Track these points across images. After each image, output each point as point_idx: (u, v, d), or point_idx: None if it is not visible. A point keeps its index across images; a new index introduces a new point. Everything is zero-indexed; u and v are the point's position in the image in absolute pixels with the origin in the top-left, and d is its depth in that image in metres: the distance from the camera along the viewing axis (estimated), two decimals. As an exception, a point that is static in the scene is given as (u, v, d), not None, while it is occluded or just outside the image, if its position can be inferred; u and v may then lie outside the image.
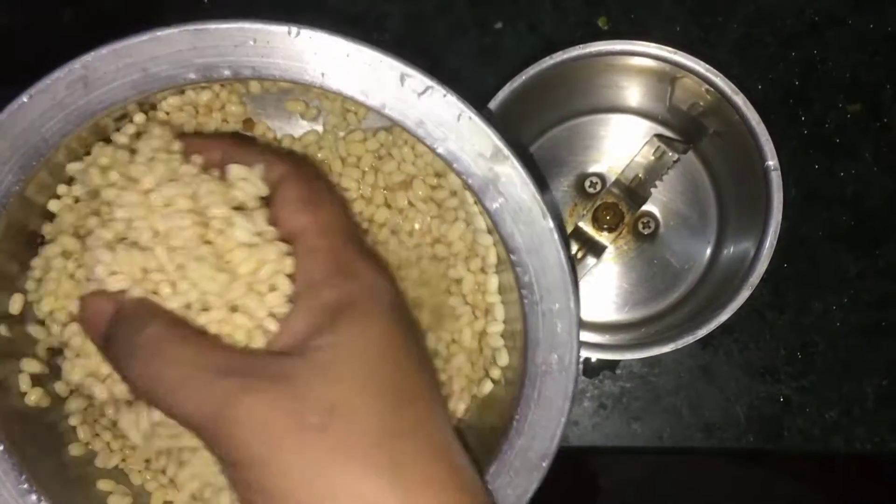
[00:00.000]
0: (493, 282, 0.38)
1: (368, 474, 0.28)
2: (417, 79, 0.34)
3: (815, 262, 0.52)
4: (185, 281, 0.30)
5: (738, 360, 0.52)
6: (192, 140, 0.35)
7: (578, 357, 0.35)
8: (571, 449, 0.53)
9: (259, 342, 0.30)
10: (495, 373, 0.38)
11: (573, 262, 0.37)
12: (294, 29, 0.34)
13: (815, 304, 0.52)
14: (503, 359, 0.37)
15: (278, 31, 0.33)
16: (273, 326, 0.30)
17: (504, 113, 0.46)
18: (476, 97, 0.50)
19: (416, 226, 0.40)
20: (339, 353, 0.29)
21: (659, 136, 0.49)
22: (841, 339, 0.52)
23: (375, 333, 0.30)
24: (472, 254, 0.39)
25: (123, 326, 0.30)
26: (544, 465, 0.35)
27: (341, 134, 0.40)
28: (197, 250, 0.31)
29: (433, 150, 0.34)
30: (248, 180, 0.32)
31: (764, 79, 0.52)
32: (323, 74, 0.34)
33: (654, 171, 0.48)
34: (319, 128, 0.41)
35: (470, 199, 0.37)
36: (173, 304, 0.30)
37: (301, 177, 0.33)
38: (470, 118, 0.34)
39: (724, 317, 0.44)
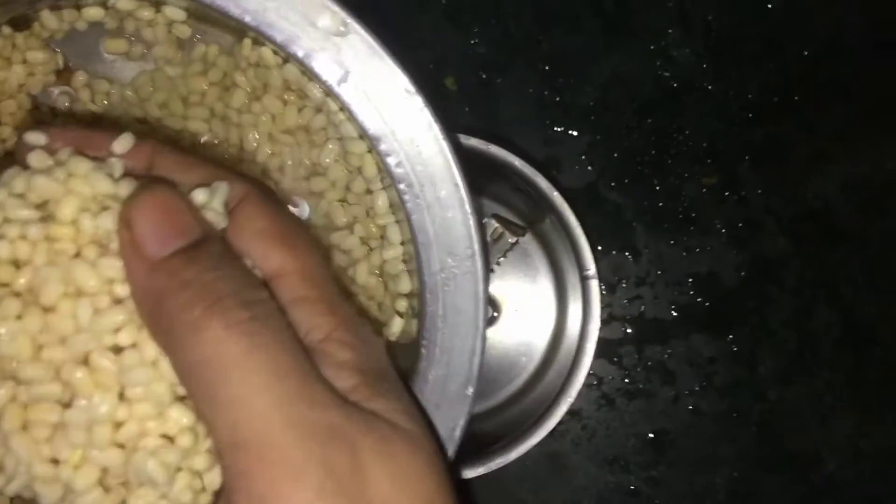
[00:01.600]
0: (382, 199, 0.32)
1: None
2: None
3: (668, 345, 0.49)
4: None
5: (586, 449, 0.49)
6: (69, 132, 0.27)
7: (485, 247, 0.30)
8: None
9: None
10: (401, 304, 0.32)
11: (457, 145, 0.31)
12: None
13: (666, 389, 0.49)
14: (404, 285, 0.32)
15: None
16: None
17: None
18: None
19: (289, 162, 0.35)
20: (412, 428, 0.24)
21: (497, 217, 0.46)
22: (692, 428, 0.49)
23: (414, 407, 0.26)
24: (353, 177, 0.34)
25: (222, 268, 0.24)
26: (469, 392, 0.30)
27: (175, 71, 0.35)
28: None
29: (241, 22, 0.29)
30: (210, 208, 0.25)
31: (619, 146, 0.50)
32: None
33: (492, 253, 0.45)
34: (149, 66, 0.36)
35: (334, 106, 0.32)
36: None
37: (269, 203, 0.27)
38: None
39: (558, 413, 0.42)
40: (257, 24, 0.30)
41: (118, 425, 0.23)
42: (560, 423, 0.48)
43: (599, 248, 0.49)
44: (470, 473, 0.42)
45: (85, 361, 0.23)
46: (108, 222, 0.24)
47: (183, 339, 0.22)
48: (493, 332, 0.49)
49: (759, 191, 0.50)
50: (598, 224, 0.49)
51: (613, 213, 0.50)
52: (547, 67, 0.50)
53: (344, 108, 0.31)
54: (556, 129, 0.50)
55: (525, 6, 0.50)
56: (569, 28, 0.50)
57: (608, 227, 0.50)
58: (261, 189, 0.27)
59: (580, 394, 0.48)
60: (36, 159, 0.25)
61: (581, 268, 0.41)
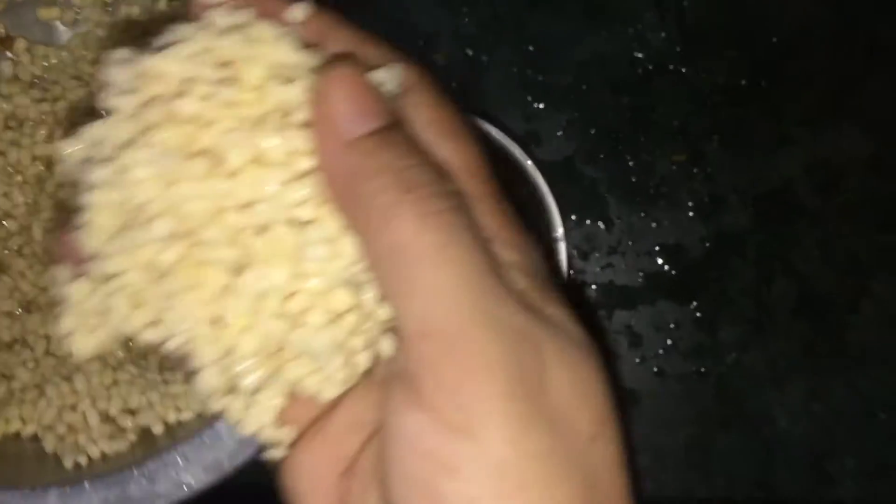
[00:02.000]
0: None
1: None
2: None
3: (636, 310, 0.53)
4: None
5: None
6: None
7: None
8: None
9: None
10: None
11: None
12: None
13: (633, 351, 0.53)
14: None
15: None
16: None
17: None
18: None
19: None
20: (582, 337, 0.23)
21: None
22: (656, 388, 0.53)
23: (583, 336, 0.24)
24: None
25: (413, 157, 0.23)
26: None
27: (104, 32, 0.39)
28: None
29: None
30: (383, 84, 0.23)
31: (595, 124, 0.53)
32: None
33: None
34: (83, 28, 0.40)
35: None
36: None
37: (435, 90, 0.25)
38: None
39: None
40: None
41: (288, 297, 0.23)
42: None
43: (574, 217, 0.52)
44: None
45: (264, 230, 0.23)
46: (296, 92, 0.23)
47: (377, 223, 0.22)
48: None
49: (726, 169, 0.53)
50: (573, 196, 0.52)
51: (589, 187, 0.53)
52: (531, 48, 0.53)
53: None
54: (536, 105, 0.53)
55: (512, -11, 0.52)
56: (552, 11, 0.52)
57: (583, 200, 0.53)
58: (431, 77, 0.25)
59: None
60: (220, 17, 0.23)
61: (550, 230, 0.44)
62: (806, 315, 0.53)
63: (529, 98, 0.53)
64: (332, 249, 0.23)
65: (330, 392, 0.24)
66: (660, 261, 0.53)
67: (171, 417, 0.42)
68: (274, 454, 0.25)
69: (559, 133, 0.53)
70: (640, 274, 0.53)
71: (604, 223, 0.53)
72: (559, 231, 0.45)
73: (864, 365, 0.53)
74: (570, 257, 0.48)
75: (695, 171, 0.53)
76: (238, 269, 0.23)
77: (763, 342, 0.53)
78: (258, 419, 0.25)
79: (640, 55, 0.53)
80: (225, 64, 0.23)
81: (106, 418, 0.42)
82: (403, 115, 0.24)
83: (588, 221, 0.53)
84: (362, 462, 0.25)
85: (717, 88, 0.53)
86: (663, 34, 0.53)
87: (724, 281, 0.53)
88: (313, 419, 0.25)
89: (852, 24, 0.53)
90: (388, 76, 0.23)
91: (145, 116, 0.23)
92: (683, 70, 0.53)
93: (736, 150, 0.53)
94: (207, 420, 0.39)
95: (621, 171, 0.53)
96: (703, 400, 0.53)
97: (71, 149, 0.24)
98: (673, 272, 0.53)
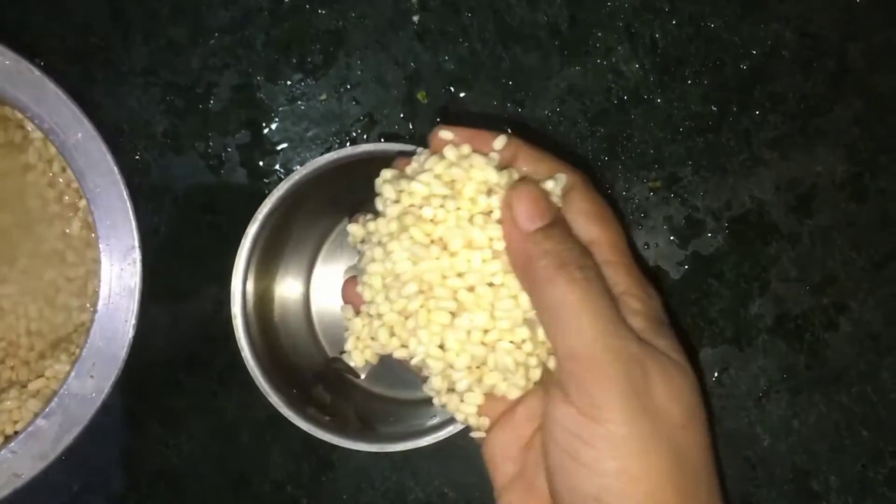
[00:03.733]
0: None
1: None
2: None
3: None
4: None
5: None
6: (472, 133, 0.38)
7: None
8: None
9: None
10: None
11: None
12: None
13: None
14: None
15: None
16: None
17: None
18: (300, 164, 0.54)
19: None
20: (683, 363, 0.35)
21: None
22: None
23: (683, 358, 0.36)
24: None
25: (567, 241, 0.35)
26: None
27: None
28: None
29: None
30: (553, 193, 0.36)
31: (573, 154, 0.54)
32: None
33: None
34: None
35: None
36: None
37: (589, 189, 0.38)
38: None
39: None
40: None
41: (486, 331, 0.35)
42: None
43: (553, 245, 0.54)
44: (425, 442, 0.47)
45: (471, 289, 0.35)
46: (495, 201, 0.35)
47: (542, 287, 0.34)
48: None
49: (700, 193, 0.54)
50: (554, 224, 0.54)
51: (569, 214, 0.54)
52: (509, 82, 0.54)
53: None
54: (516, 137, 0.54)
55: (488, 27, 0.54)
56: (528, 47, 0.54)
57: (564, 227, 0.54)
58: (586, 178, 0.38)
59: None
60: (450, 152, 0.36)
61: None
62: (784, 334, 0.54)
63: (509, 130, 0.54)
64: (514, 302, 0.35)
65: (514, 393, 0.37)
66: (639, 284, 0.54)
67: (9, 429, 0.48)
68: (477, 435, 0.38)
69: (538, 163, 0.54)
70: (621, 298, 0.54)
71: (584, 249, 0.54)
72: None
73: (843, 382, 0.54)
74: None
75: (671, 196, 0.54)
76: (456, 313, 0.35)
77: (743, 362, 0.54)
78: (467, 410, 0.37)
79: (614, 86, 0.54)
80: (451, 182, 0.36)
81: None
82: (564, 210, 0.36)
83: (569, 248, 0.54)
84: (535, 440, 0.36)
85: (690, 115, 0.54)
86: (636, 66, 0.54)
87: (703, 302, 0.54)
88: (504, 412, 0.37)
89: (819, 47, 0.54)
90: (556, 183, 0.36)
91: (403, 219, 0.36)
92: (658, 100, 0.54)
93: (709, 174, 0.54)
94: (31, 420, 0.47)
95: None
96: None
97: (356, 230, 0.39)
98: (653, 295, 0.54)
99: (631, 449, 0.32)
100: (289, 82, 0.55)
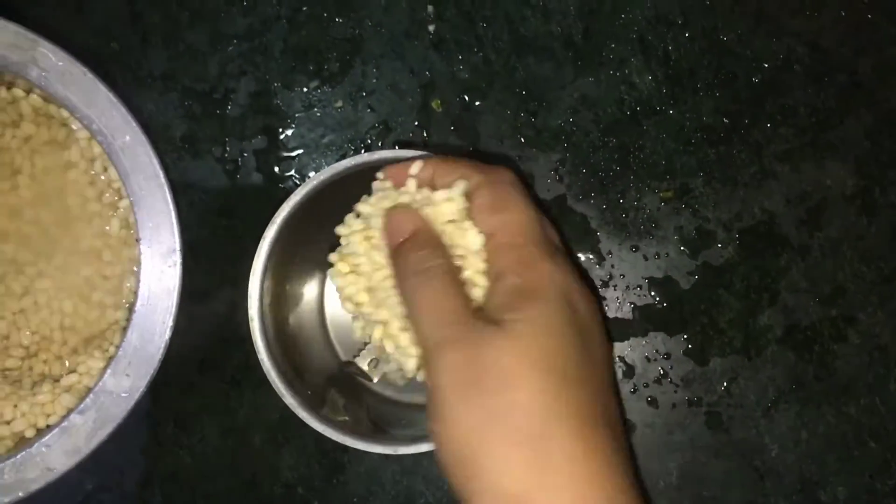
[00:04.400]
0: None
1: (518, 450, 0.35)
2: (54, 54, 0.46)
3: (628, 341, 0.54)
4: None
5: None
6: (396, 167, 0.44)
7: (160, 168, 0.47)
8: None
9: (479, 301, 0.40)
10: None
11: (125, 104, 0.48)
12: None
13: (626, 382, 0.54)
14: None
15: None
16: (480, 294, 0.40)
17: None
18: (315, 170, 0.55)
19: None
20: (524, 329, 0.37)
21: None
22: (649, 417, 0.54)
23: (551, 317, 0.37)
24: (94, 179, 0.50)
25: (416, 250, 0.40)
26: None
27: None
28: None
29: None
30: (452, 200, 0.41)
31: (586, 163, 0.55)
32: None
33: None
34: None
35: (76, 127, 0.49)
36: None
37: (491, 186, 0.41)
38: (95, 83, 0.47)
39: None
40: None
41: (405, 330, 0.41)
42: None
43: (566, 253, 0.54)
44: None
45: (385, 302, 0.41)
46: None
47: (403, 289, 0.40)
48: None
49: (711, 204, 0.55)
50: (566, 232, 0.55)
51: (580, 223, 0.55)
52: (522, 92, 0.55)
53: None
54: (529, 147, 0.55)
55: (503, 37, 0.55)
56: (542, 57, 0.55)
57: (575, 235, 0.55)
58: (496, 177, 0.42)
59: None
60: (379, 188, 0.43)
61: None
62: (793, 345, 0.54)
63: (522, 139, 0.55)
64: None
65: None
66: (650, 293, 0.55)
67: (41, 422, 0.49)
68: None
69: (551, 172, 0.55)
70: (632, 306, 0.55)
71: (595, 258, 0.55)
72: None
73: (852, 394, 0.54)
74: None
75: (682, 206, 0.55)
76: (386, 322, 0.42)
77: (752, 371, 0.54)
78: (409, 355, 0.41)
79: (627, 97, 0.55)
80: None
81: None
82: (470, 206, 0.41)
83: (581, 256, 0.55)
84: None
85: (702, 127, 0.55)
86: (649, 77, 0.55)
87: (713, 312, 0.54)
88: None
89: (830, 62, 0.55)
90: (456, 188, 0.41)
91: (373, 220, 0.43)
92: (670, 111, 0.55)
93: (720, 185, 0.55)
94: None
95: (611, 208, 0.55)
96: (694, 428, 0.54)
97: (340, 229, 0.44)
98: (663, 304, 0.55)
99: (469, 440, 0.36)
100: (305, 89, 0.56)
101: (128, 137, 0.47)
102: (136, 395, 0.46)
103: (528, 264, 0.39)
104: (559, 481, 0.35)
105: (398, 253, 0.41)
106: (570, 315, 0.38)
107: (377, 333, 0.42)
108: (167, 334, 0.47)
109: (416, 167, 0.43)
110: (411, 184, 0.42)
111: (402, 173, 0.43)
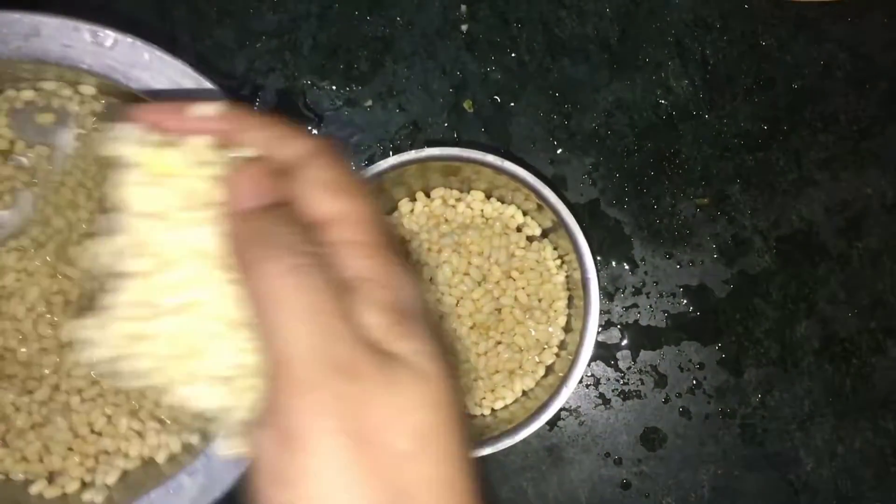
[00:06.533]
0: None
1: None
2: (103, 33, 0.45)
3: (661, 350, 0.53)
4: None
5: (582, 444, 0.53)
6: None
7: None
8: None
9: None
10: None
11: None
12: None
13: (658, 391, 0.53)
14: None
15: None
16: None
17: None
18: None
19: None
20: (430, 368, 0.28)
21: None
22: (681, 427, 0.53)
23: (441, 354, 0.29)
24: None
25: (283, 225, 0.29)
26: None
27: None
28: None
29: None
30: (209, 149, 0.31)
31: (620, 168, 0.54)
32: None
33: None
34: (78, 131, 0.48)
35: None
36: None
37: (331, 158, 0.30)
38: (160, 57, 0.44)
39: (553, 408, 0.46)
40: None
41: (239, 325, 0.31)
42: (559, 420, 0.52)
43: (599, 258, 0.53)
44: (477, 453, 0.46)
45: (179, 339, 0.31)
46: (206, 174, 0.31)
47: (249, 273, 0.28)
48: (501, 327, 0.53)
49: (748, 211, 0.54)
50: (599, 237, 0.54)
51: (614, 228, 0.54)
52: (556, 94, 0.54)
53: None
54: (562, 150, 0.54)
55: (537, 38, 0.54)
56: (577, 59, 0.54)
57: (609, 241, 0.54)
58: (330, 147, 0.31)
59: (579, 393, 0.52)
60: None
61: (582, 271, 0.46)
62: (830, 357, 0.53)
63: (555, 142, 0.54)
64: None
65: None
66: (684, 301, 0.54)
67: (134, 452, 0.48)
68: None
69: (584, 176, 0.54)
70: (665, 314, 0.54)
71: (629, 264, 0.54)
72: (591, 272, 0.46)
73: (890, 408, 0.53)
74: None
75: (718, 213, 0.54)
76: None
77: (788, 383, 0.53)
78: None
79: (663, 101, 0.54)
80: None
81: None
82: (298, 182, 0.30)
83: (613, 263, 0.54)
84: None
85: (740, 133, 0.54)
86: (686, 81, 0.54)
87: (748, 322, 0.53)
88: None
89: (872, 69, 0.54)
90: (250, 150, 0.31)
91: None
92: (705, 116, 0.54)
93: (758, 192, 0.54)
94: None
95: (646, 213, 0.54)
96: (728, 441, 0.53)
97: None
98: (697, 313, 0.54)
99: (335, 486, 0.26)
100: (334, 87, 0.55)
101: None
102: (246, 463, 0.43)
103: (391, 274, 0.29)
104: None
105: (248, 219, 0.29)
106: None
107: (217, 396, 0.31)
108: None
109: (208, 108, 0.31)
110: (197, 138, 0.31)
111: (170, 117, 0.31)
